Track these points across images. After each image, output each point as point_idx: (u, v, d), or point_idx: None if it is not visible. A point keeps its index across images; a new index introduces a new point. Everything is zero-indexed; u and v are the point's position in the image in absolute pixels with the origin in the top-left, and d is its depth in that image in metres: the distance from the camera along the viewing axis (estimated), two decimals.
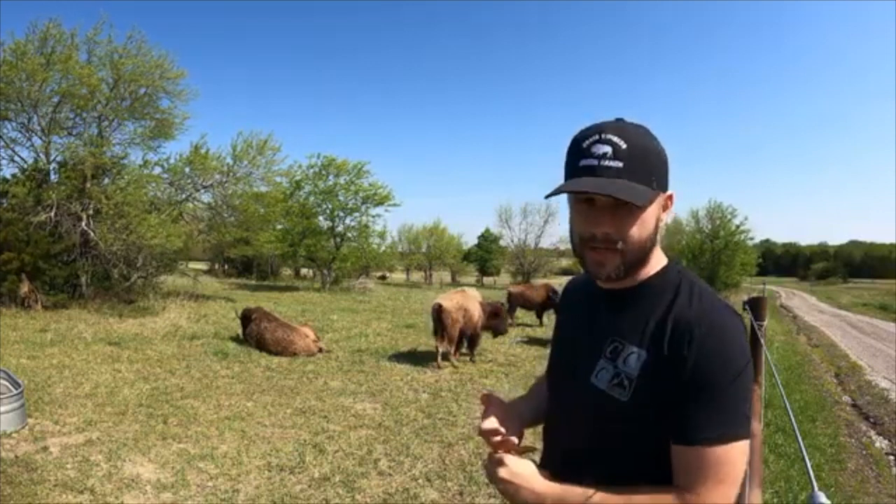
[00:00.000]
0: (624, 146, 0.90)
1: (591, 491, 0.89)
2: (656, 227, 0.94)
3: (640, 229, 0.91)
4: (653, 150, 0.94)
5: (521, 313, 13.67)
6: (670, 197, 0.97)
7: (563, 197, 0.99)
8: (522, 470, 0.96)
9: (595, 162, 0.90)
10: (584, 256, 0.96)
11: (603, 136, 0.91)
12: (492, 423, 1.05)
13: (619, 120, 0.95)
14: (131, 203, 12.87)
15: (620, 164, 0.89)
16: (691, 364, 0.85)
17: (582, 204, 0.94)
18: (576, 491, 0.91)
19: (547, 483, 0.95)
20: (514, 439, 1.02)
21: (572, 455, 1.01)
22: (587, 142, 0.92)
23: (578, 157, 0.92)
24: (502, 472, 0.97)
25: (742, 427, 0.85)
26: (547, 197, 0.96)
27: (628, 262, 0.93)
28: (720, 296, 0.95)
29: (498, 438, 1.03)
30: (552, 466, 1.00)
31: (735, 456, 0.84)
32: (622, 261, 0.92)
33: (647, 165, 0.91)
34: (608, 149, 0.90)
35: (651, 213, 0.92)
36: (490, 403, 1.11)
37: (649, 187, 0.90)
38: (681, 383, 0.86)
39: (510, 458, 0.99)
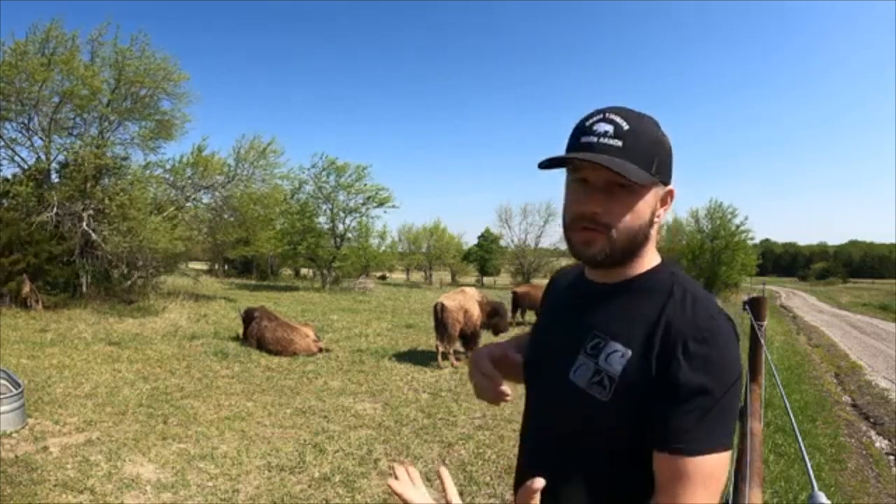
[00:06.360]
0: (626, 127, 0.85)
1: None
2: (651, 219, 0.89)
3: (632, 216, 0.86)
4: (656, 137, 0.89)
5: (526, 314, 13.32)
6: (671, 192, 0.91)
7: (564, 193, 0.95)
8: None
9: (594, 139, 0.85)
10: (572, 237, 0.91)
11: (606, 115, 0.87)
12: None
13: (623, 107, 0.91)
14: (134, 204, 12.86)
15: (620, 143, 0.85)
16: (684, 372, 0.81)
17: (577, 183, 0.90)
18: None
19: None
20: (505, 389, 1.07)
21: (548, 462, 0.92)
22: (590, 121, 0.88)
23: (579, 134, 0.88)
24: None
25: (730, 437, 0.83)
26: (541, 166, 0.89)
27: (615, 248, 0.87)
28: (715, 299, 0.90)
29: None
30: (530, 469, 0.86)
31: (722, 466, 0.82)
32: (609, 244, 0.87)
33: (648, 150, 0.86)
34: (609, 127, 0.85)
35: (647, 201, 0.87)
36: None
37: (648, 172, 0.86)
38: (670, 391, 0.81)
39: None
